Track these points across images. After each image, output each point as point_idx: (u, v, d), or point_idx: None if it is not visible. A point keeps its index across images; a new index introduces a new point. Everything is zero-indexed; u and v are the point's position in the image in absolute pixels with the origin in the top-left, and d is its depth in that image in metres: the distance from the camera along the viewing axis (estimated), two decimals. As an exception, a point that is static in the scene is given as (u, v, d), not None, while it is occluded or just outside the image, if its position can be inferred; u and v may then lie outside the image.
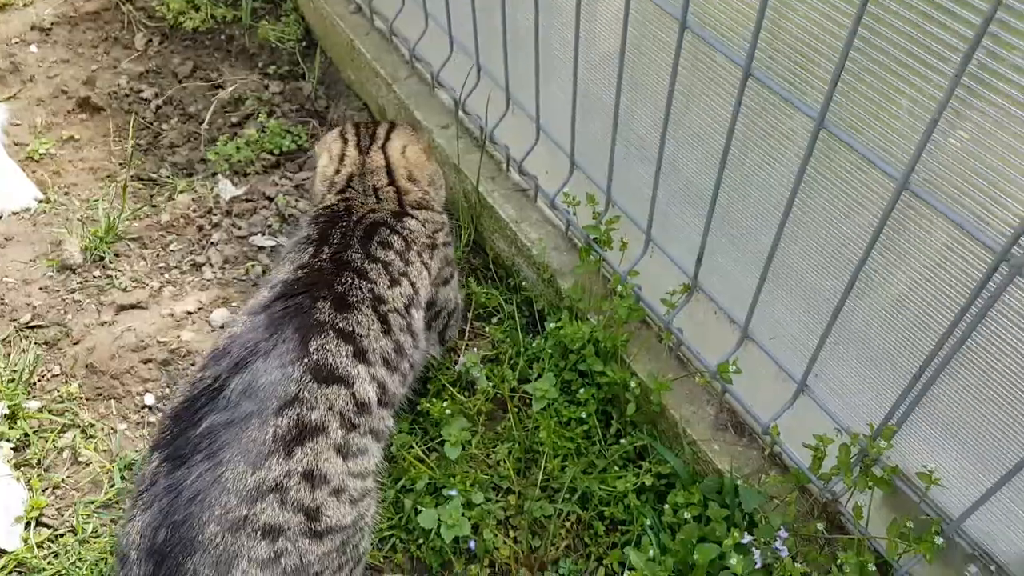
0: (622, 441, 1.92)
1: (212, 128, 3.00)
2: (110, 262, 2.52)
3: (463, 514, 1.78)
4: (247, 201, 2.72)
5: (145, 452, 1.53)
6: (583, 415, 1.97)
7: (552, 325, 2.05)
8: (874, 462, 1.44)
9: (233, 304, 2.41)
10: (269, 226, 2.66)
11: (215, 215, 2.67)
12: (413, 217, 1.79)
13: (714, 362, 1.77)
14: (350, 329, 1.55)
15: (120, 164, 2.86)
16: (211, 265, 2.53)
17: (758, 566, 1.51)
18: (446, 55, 2.51)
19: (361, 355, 1.55)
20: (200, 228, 2.64)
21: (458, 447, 1.86)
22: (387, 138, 1.93)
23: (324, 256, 1.64)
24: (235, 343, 1.48)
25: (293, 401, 1.43)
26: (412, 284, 1.71)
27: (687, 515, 1.70)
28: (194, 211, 2.68)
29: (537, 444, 1.97)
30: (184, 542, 1.30)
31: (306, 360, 1.47)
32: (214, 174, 2.83)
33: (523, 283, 2.31)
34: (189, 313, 2.36)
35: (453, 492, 1.85)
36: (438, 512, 1.78)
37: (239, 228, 2.64)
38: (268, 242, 2.60)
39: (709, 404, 1.89)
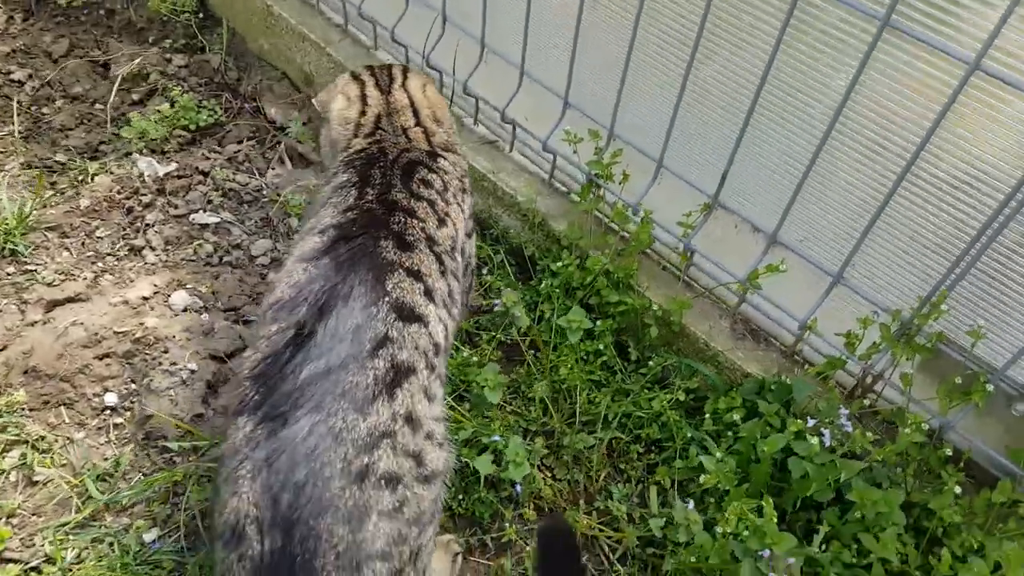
0: (650, 363, 1.96)
1: (109, 108, 2.70)
2: (26, 256, 2.20)
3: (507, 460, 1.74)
4: (179, 178, 2.47)
5: (223, 423, 1.33)
6: (600, 347, 1.99)
7: (559, 264, 2.04)
8: (919, 330, 1.58)
9: (189, 286, 2.18)
10: (209, 202, 2.43)
11: (144, 195, 2.41)
12: (444, 158, 1.72)
13: (736, 275, 1.85)
14: (416, 268, 1.46)
15: (1, 152, 2.51)
16: (152, 248, 2.28)
17: (827, 445, 1.60)
18: (395, 13, 2.43)
19: (429, 295, 1.47)
20: (129, 210, 2.37)
21: (498, 391, 1.81)
22: (405, 78, 1.83)
23: (370, 197, 1.53)
24: (305, 290, 1.36)
25: (384, 341, 1.33)
26: (454, 225, 1.64)
27: (736, 417, 1.77)
28: (118, 193, 2.40)
29: (559, 382, 1.96)
30: (312, 502, 1.17)
31: (387, 298, 1.37)
32: (128, 154, 2.54)
33: (507, 232, 2.28)
34: (145, 299, 2.11)
35: (496, 438, 1.80)
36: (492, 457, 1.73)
37: (176, 207, 2.40)
38: (211, 219, 2.38)
39: (723, 318, 1.97)
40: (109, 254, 2.25)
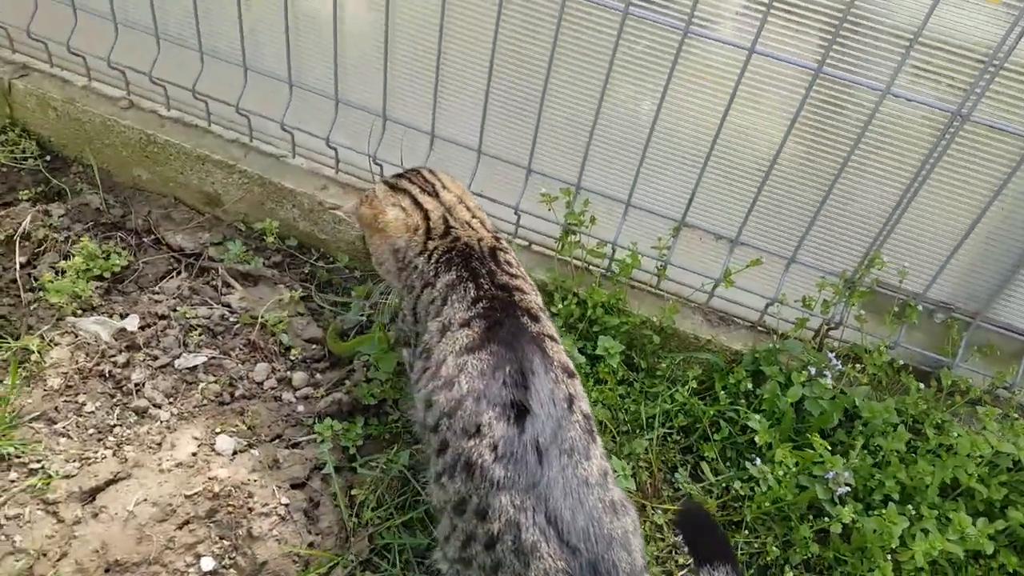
0: (663, 364, 2.38)
1: (19, 278, 2.47)
2: (23, 456, 2.01)
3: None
4: (143, 328, 2.37)
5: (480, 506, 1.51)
6: (614, 364, 2.37)
7: (560, 306, 2.38)
8: (862, 281, 2.20)
9: (219, 430, 2.15)
10: (185, 344, 2.37)
11: (115, 356, 2.28)
12: (500, 238, 1.97)
13: (711, 276, 2.35)
14: (550, 332, 1.73)
15: None
16: (157, 405, 2.19)
17: (830, 384, 2.15)
18: (325, 120, 2.56)
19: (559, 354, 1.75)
20: (108, 375, 2.23)
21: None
22: (436, 178, 2.01)
23: (487, 285, 1.75)
24: (495, 374, 1.56)
25: (571, 398, 1.61)
26: (534, 291, 1.91)
27: (748, 385, 2.26)
28: (87, 361, 2.25)
29: (598, 403, 2.31)
30: (599, 541, 1.44)
31: (554, 362, 1.64)
32: (60, 319, 2.37)
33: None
34: (194, 454, 2.06)
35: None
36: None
37: (156, 357, 2.31)
38: (198, 359, 2.33)
39: (695, 313, 2.46)
40: (115, 425, 2.13)
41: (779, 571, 2.09)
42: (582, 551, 1.43)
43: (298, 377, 2.36)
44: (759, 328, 2.45)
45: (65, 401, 2.15)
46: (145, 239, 2.73)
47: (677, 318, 2.42)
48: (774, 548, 2.10)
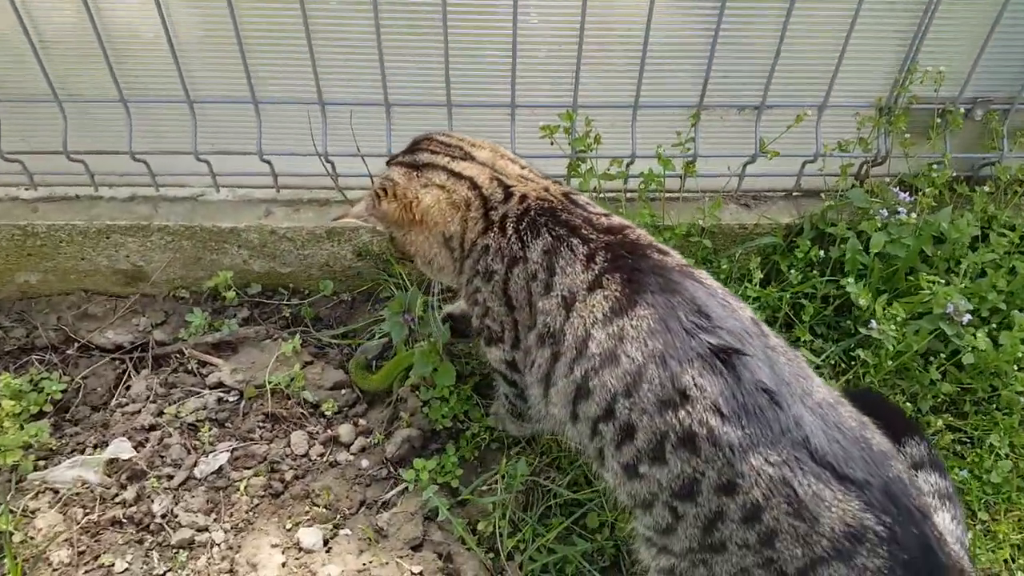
0: (723, 267, 2.17)
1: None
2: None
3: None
4: (136, 450, 1.88)
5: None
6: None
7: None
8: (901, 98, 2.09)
9: (299, 519, 1.75)
10: (195, 448, 1.91)
11: (118, 495, 1.79)
12: (559, 182, 1.65)
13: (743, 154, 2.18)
14: (684, 261, 1.47)
15: None
16: (203, 529, 1.75)
17: (913, 217, 2.03)
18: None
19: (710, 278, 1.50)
20: (122, 522, 1.75)
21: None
22: (458, 140, 1.64)
23: (591, 234, 1.44)
24: (661, 332, 1.29)
25: (754, 320, 1.37)
26: None
27: (819, 253, 2.10)
28: (85, 516, 1.75)
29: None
30: (883, 469, 1.23)
31: (716, 289, 1.39)
32: (20, 480, 1.84)
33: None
34: (284, 564, 1.64)
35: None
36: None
37: (171, 477, 1.84)
38: (221, 458, 1.88)
39: (728, 203, 2.29)
40: (171, 555, 1.68)
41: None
42: (869, 480, 1.21)
43: (344, 432, 1.97)
44: (796, 194, 2.31)
45: (87, 572, 1.66)
46: (69, 351, 2.19)
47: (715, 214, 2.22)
48: (906, 404, 1.98)
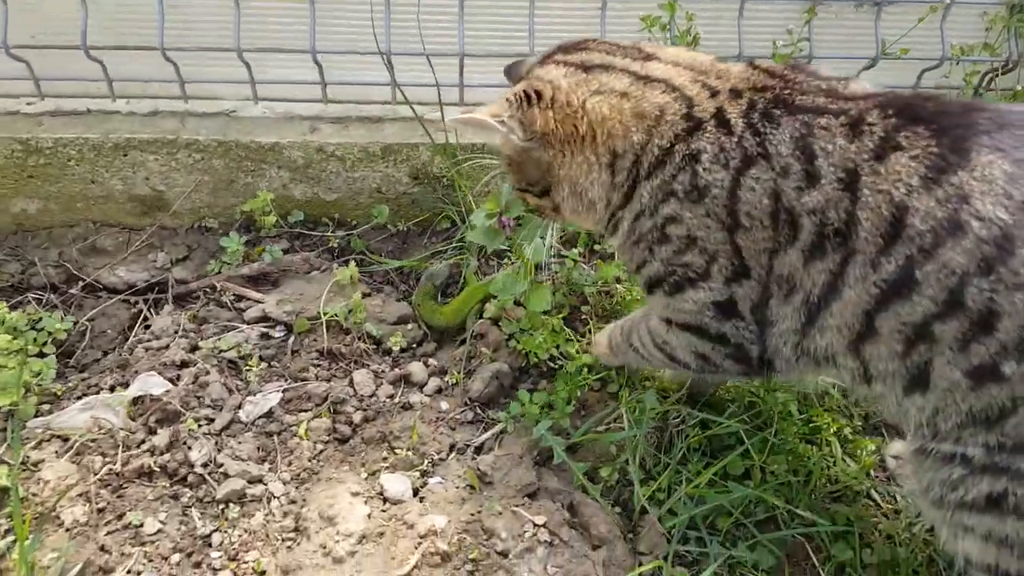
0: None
1: None
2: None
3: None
4: (173, 383, 1.51)
5: None
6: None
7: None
8: None
9: (378, 465, 1.39)
10: (239, 388, 1.55)
11: (145, 439, 1.43)
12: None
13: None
14: None
15: None
16: (256, 480, 1.39)
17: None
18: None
19: None
20: (152, 473, 1.38)
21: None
22: (635, 44, 1.29)
23: (867, 107, 1.09)
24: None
25: None
26: None
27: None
28: (104, 466, 1.38)
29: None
30: None
31: None
32: (24, 425, 1.47)
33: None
34: (369, 515, 1.29)
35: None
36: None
37: (212, 420, 1.48)
38: (272, 398, 1.53)
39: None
40: (211, 532, 1.31)
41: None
42: None
43: (416, 370, 1.62)
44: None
45: (110, 533, 1.29)
46: (72, 290, 1.83)
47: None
48: None
